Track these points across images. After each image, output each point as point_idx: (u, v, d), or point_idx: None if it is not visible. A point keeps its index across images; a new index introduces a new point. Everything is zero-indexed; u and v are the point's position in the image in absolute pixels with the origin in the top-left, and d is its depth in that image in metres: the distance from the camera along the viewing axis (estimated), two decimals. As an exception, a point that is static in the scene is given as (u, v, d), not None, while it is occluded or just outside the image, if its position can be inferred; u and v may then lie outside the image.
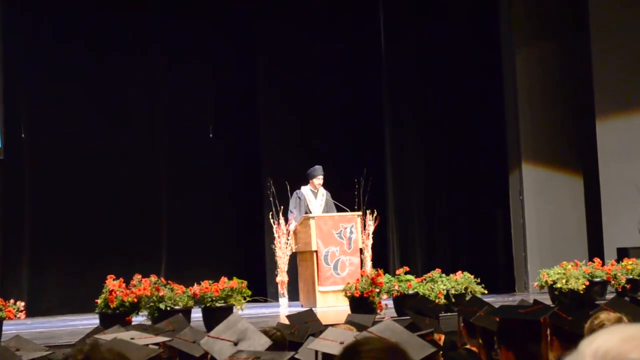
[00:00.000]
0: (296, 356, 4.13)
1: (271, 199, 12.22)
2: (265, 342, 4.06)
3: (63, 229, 13.12)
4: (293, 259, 12.13)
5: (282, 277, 11.99)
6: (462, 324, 5.28)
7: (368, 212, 12.14)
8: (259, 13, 14.44)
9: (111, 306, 9.14)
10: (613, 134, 13.65)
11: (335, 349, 3.83)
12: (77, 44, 13.34)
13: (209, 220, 14.01)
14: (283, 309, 11.60)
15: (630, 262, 11.45)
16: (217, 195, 14.18)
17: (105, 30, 13.45)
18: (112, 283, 9.28)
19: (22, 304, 9.36)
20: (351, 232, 11.73)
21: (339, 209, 12.06)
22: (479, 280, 10.48)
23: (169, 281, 9.55)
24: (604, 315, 4.09)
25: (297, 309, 10.59)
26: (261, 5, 14.42)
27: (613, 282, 11.14)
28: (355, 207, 12.32)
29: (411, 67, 14.69)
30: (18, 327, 9.70)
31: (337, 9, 14.54)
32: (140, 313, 9.21)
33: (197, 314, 9.48)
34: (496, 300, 9.14)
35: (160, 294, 9.17)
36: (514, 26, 14.16)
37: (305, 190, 12.20)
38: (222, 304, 9.37)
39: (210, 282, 9.54)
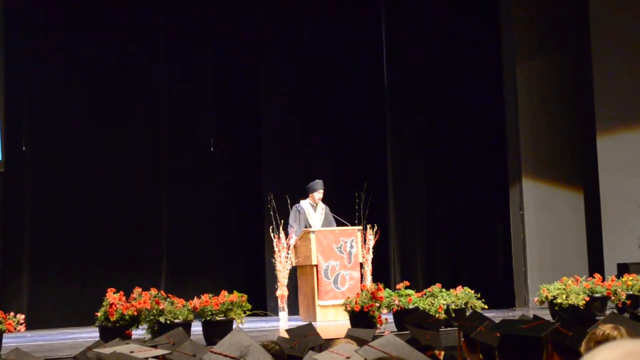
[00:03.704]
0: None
1: (272, 213, 12.22)
2: (269, 359, 4.05)
3: (63, 241, 13.12)
4: (293, 273, 12.11)
5: (282, 291, 11.97)
6: (463, 339, 5.27)
7: (368, 226, 12.13)
8: (262, 27, 14.47)
9: (111, 319, 9.12)
10: (614, 149, 13.66)
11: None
12: (78, 56, 13.36)
13: (209, 234, 14.01)
14: (283, 323, 11.58)
15: (630, 278, 11.44)
16: (217, 208, 14.18)
17: (106, 43, 13.48)
18: (112, 296, 9.27)
19: (22, 316, 9.33)
20: (351, 247, 11.73)
21: (339, 223, 12.06)
22: (479, 295, 10.48)
23: (169, 294, 9.54)
24: (605, 329, 4.09)
25: (297, 323, 10.57)
26: (264, 17, 14.46)
27: (613, 297, 11.14)
28: (356, 222, 12.32)
29: (413, 81, 14.72)
30: (18, 340, 9.71)
31: (341, 27, 14.57)
32: (140, 326, 9.20)
33: (197, 328, 9.47)
34: (496, 315, 9.12)
35: (161, 307, 9.16)
36: (515, 40, 14.19)
37: (304, 204, 12.20)
38: (222, 318, 9.36)
39: (211, 295, 9.53)
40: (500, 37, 14.50)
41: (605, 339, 3.92)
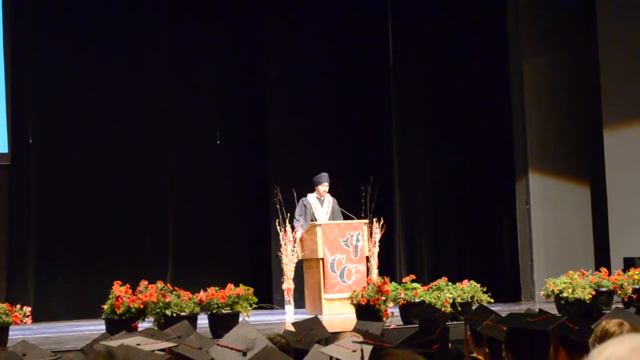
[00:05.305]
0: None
1: (278, 206, 12.22)
2: (276, 352, 4.05)
3: (70, 234, 13.13)
4: (299, 266, 12.13)
5: (288, 285, 11.99)
6: (469, 333, 5.28)
7: (375, 220, 12.14)
8: (268, 22, 14.46)
9: (117, 312, 9.15)
10: (620, 143, 13.63)
11: (348, 357, 3.82)
12: (84, 49, 13.35)
13: (215, 227, 14.01)
14: (289, 316, 11.60)
15: (636, 272, 11.43)
16: (223, 202, 14.18)
17: (112, 36, 13.47)
18: (119, 289, 9.29)
19: (29, 309, 9.36)
20: (357, 240, 11.74)
21: (346, 217, 12.07)
22: (485, 289, 10.48)
23: (175, 287, 9.56)
24: (605, 324, 4.10)
25: (303, 316, 10.59)
26: (270, 13, 14.44)
27: (619, 292, 11.12)
28: (362, 215, 12.33)
29: (419, 75, 14.69)
30: (24, 333, 9.72)
31: (347, 19, 14.54)
32: (146, 319, 9.22)
33: (203, 321, 9.49)
34: (502, 309, 9.12)
35: (167, 300, 9.18)
36: (521, 35, 14.16)
37: (311, 198, 12.21)
38: (228, 311, 9.38)
39: (217, 288, 9.55)
40: (506, 32, 14.48)
41: (605, 335, 3.93)
